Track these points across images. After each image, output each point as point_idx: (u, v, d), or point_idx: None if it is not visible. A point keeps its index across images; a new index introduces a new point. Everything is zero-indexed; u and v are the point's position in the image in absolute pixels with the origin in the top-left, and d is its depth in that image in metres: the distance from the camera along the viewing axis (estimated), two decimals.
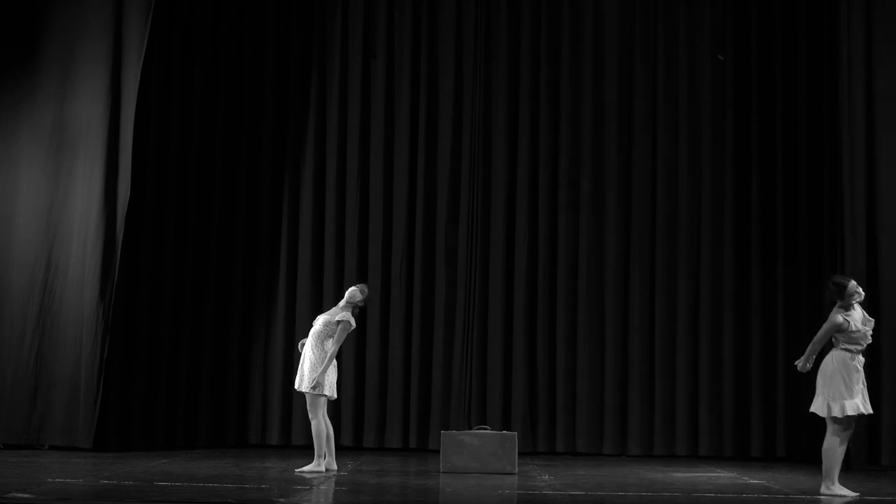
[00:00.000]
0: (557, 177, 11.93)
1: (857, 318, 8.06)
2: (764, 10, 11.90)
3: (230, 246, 12.01)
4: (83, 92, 11.10)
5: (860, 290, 8.15)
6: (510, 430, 10.22)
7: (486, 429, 9.70)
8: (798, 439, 11.21)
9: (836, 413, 7.95)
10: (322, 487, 8.27)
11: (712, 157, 11.81)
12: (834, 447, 8.02)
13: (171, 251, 11.89)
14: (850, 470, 9.19)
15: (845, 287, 8.06)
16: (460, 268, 11.87)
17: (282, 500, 7.43)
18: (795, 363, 8.19)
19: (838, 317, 8.01)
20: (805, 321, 11.40)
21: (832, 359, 8.04)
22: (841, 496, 8.04)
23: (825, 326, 8.05)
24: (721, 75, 11.89)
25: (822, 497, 8.06)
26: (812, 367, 8.15)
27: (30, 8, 11.24)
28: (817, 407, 8.09)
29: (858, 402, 7.96)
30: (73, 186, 11.04)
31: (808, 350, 8.11)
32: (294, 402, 11.68)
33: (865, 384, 8.11)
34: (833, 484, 8.09)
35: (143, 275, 11.80)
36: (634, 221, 11.83)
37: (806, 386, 8.43)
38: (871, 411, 8.12)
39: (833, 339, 8.07)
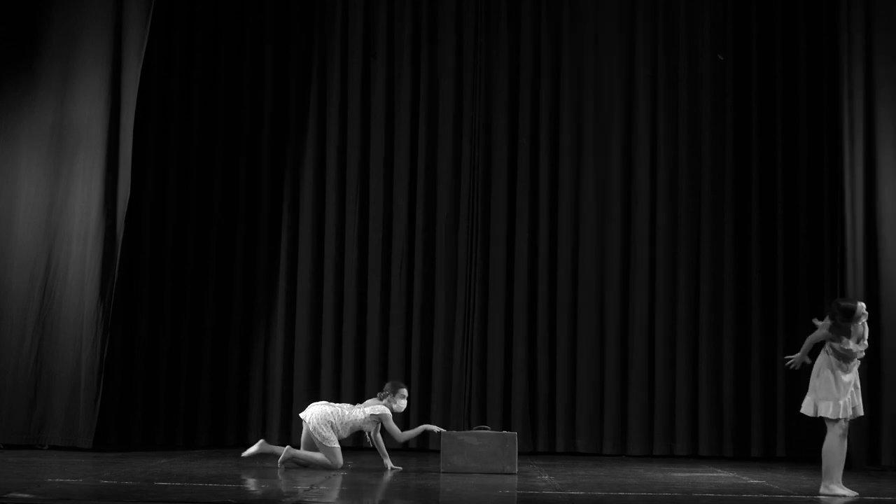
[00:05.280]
0: (558, 176, 11.93)
1: (855, 335, 8.04)
2: (764, 11, 11.90)
3: (230, 246, 12.02)
4: (83, 92, 11.09)
5: (866, 311, 8.12)
6: (510, 430, 10.22)
7: (486, 429, 9.70)
8: (798, 439, 11.21)
9: (823, 413, 7.98)
10: (322, 487, 8.28)
11: (713, 157, 11.81)
12: (833, 447, 8.03)
13: (171, 251, 11.91)
14: (850, 470, 9.16)
15: (853, 311, 8.00)
16: (460, 268, 11.88)
17: (282, 500, 7.44)
18: (787, 360, 8.24)
19: (829, 332, 8.02)
20: (805, 321, 11.39)
21: (822, 361, 8.07)
22: (841, 496, 8.04)
23: (817, 334, 8.08)
24: (721, 75, 11.89)
25: (821, 497, 8.05)
26: (806, 367, 8.20)
27: (29, 7, 11.23)
28: (805, 406, 8.12)
29: (843, 404, 7.97)
30: (73, 186, 11.03)
31: (801, 349, 8.16)
32: (294, 403, 11.68)
33: (858, 387, 8.10)
34: (833, 483, 8.09)
35: (143, 275, 11.83)
36: (635, 221, 11.83)
37: (806, 386, 8.42)
38: (861, 413, 8.13)
39: (826, 343, 8.08)
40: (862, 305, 8.09)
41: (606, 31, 12.03)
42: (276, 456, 9.56)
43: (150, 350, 11.77)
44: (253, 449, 9.53)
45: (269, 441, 11.61)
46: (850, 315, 8.01)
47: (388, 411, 9.53)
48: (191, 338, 11.88)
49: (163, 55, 12.01)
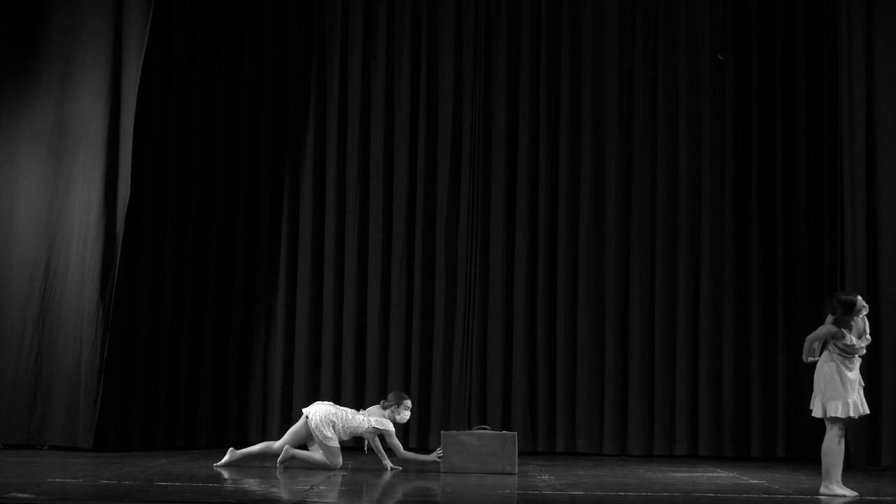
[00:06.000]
0: (557, 177, 11.93)
1: (856, 330, 8.05)
2: (764, 11, 11.90)
3: (230, 246, 12.02)
4: (83, 92, 11.10)
5: (866, 304, 8.15)
6: (510, 430, 10.21)
7: (486, 429, 9.69)
8: (798, 439, 11.21)
9: (833, 413, 7.97)
10: (322, 487, 8.28)
11: (712, 157, 11.80)
12: (832, 447, 8.03)
13: (171, 251, 11.91)
14: (850, 470, 9.16)
15: (854, 304, 8.04)
16: (460, 268, 11.88)
17: (282, 500, 7.44)
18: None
19: (832, 326, 8.03)
20: (805, 321, 11.39)
21: (826, 361, 8.07)
22: (841, 496, 8.04)
23: (820, 331, 8.08)
24: (721, 75, 11.89)
25: (821, 497, 8.05)
26: (808, 366, 8.21)
27: (29, 7, 11.23)
28: (815, 408, 8.13)
29: (853, 402, 7.97)
30: (73, 186, 11.03)
31: (805, 350, 8.16)
32: (294, 403, 11.68)
33: (863, 384, 8.13)
34: (833, 483, 8.09)
35: (143, 275, 11.83)
36: (634, 222, 11.82)
37: (806, 386, 8.43)
38: (867, 411, 8.14)
39: (829, 342, 8.08)
40: (861, 298, 8.13)
41: (606, 31, 12.02)
42: (252, 457, 9.53)
43: (150, 350, 11.77)
44: (225, 458, 9.45)
45: (268, 440, 11.67)
46: (851, 308, 8.03)
47: (391, 427, 9.48)
48: (191, 338, 11.88)
49: (163, 55, 12.01)
